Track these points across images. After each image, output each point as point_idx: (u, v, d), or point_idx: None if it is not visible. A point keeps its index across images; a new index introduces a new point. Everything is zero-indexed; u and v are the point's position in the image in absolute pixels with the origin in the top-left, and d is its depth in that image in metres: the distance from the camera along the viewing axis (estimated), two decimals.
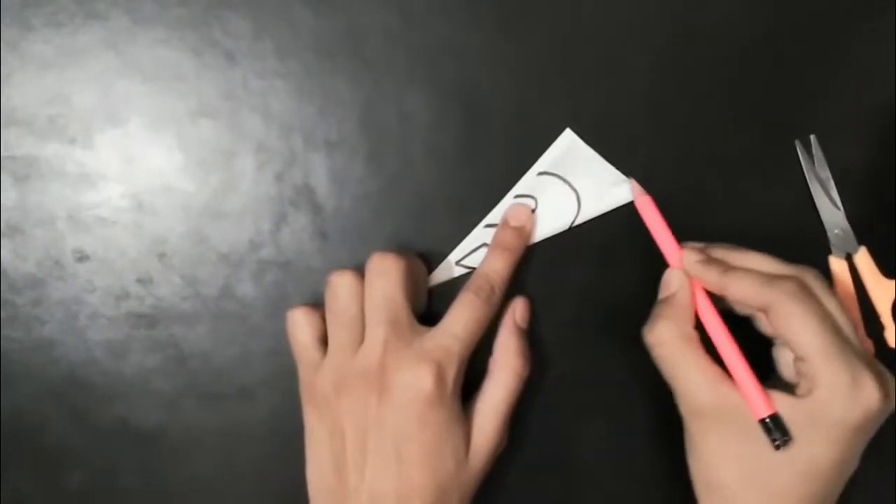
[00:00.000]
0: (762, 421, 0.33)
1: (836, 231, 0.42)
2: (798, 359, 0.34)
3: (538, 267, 0.41)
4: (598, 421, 0.42)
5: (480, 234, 0.41)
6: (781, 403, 0.34)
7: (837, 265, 0.42)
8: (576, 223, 0.41)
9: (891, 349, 0.41)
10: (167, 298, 0.41)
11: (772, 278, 0.35)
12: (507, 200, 0.41)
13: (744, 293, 0.35)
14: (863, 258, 0.41)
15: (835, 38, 0.42)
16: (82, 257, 0.41)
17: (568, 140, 0.40)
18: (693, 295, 0.37)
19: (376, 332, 0.36)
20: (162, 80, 0.40)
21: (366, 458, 0.35)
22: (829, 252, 0.42)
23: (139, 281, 0.41)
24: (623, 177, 0.41)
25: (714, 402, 0.34)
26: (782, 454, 0.33)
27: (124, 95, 0.40)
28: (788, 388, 0.35)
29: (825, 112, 0.42)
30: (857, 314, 0.41)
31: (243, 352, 0.41)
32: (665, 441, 0.41)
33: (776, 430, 0.33)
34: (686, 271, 0.37)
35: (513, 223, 0.40)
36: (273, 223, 0.41)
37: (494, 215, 0.41)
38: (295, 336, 0.37)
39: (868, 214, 0.42)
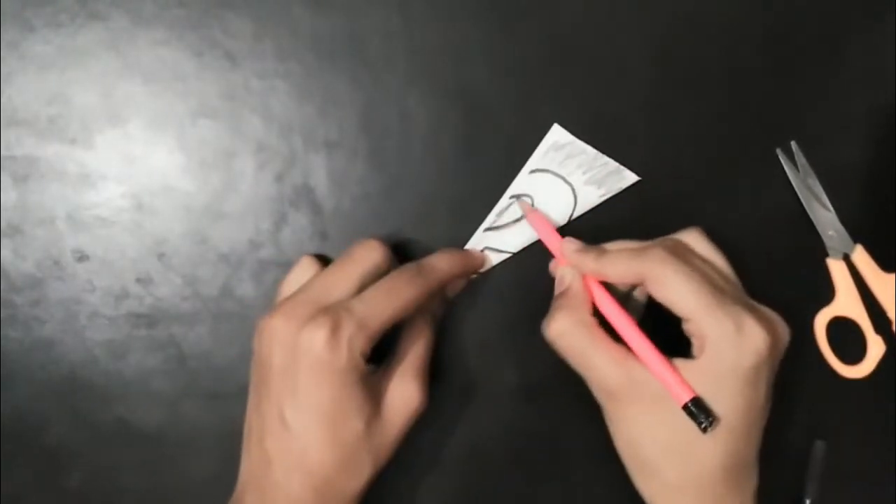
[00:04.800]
0: (685, 407, 0.33)
1: (830, 233, 0.42)
2: (684, 321, 0.35)
3: (536, 267, 0.41)
4: (598, 425, 0.42)
5: (480, 239, 0.41)
6: (682, 369, 0.34)
7: (836, 266, 0.42)
8: (574, 216, 0.41)
9: None
10: (167, 298, 0.41)
11: (641, 249, 0.36)
12: (504, 202, 0.41)
13: (616, 270, 0.36)
14: (860, 256, 0.41)
15: (834, 40, 0.42)
16: (82, 257, 0.41)
17: (556, 135, 0.41)
18: (588, 288, 0.37)
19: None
20: (162, 80, 0.40)
21: (263, 421, 0.35)
22: (825, 254, 0.42)
23: (139, 281, 0.41)
24: (615, 164, 0.41)
25: (623, 381, 0.35)
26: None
27: (125, 96, 0.40)
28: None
29: (819, 113, 0.42)
30: (863, 313, 0.41)
31: (243, 352, 0.41)
32: None
33: (700, 412, 0.33)
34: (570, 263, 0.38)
35: (467, 267, 0.40)
36: (273, 223, 0.41)
37: (492, 218, 0.41)
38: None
39: (860, 212, 0.42)
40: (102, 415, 0.41)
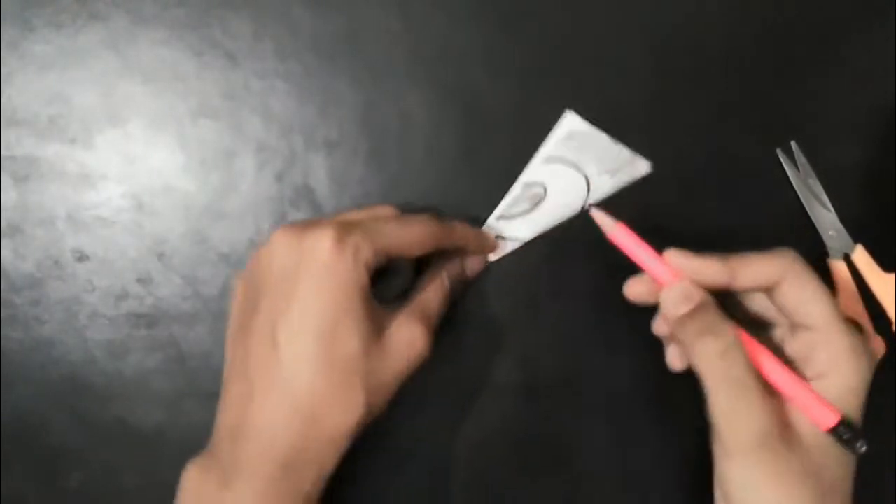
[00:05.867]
0: (833, 430, 0.31)
1: (831, 233, 0.42)
2: (804, 329, 0.33)
3: (536, 264, 0.41)
4: (599, 423, 0.42)
5: (493, 227, 0.41)
6: (816, 388, 0.32)
7: (836, 266, 0.42)
8: (587, 204, 0.41)
9: None
10: (167, 298, 0.41)
11: (770, 254, 0.33)
12: (517, 189, 0.41)
13: (754, 273, 0.33)
14: (860, 256, 0.41)
15: (834, 40, 0.42)
16: (82, 257, 0.41)
17: (571, 122, 0.40)
18: None
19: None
20: (162, 80, 0.40)
21: (249, 348, 0.33)
22: (826, 255, 0.42)
23: (139, 281, 0.41)
24: (629, 151, 0.40)
25: (775, 423, 0.31)
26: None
27: (125, 96, 0.40)
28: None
29: (819, 113, 0.42)
30: (863, 313, 0.41)
31: None
32: (664, 441, 0.41)
33: (849, 433, 0.30)
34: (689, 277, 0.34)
35: (482, 242, 0.40)
36: (273, 223, 0.41)
37: (504, 206, 0.41)
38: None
39: (860, 212, 0.42)
40: (102, 415, 0.41)
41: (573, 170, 0.41)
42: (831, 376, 0.32)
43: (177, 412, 0.41)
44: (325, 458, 0.32)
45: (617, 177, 0.41)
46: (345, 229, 0.32)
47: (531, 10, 0.40)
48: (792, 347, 0.34)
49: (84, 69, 0.40)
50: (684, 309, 0.33)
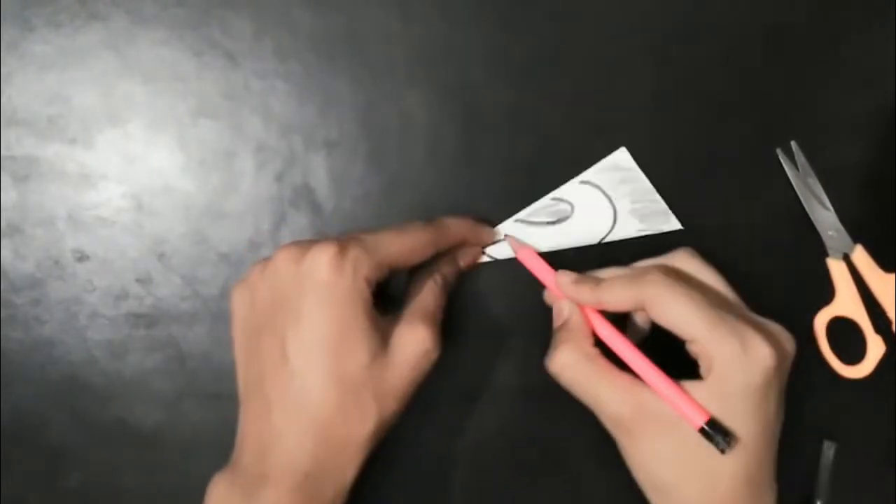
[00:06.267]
0: (702, 430, 0.33)
1: (830, 232, 0.42)
2: (688, 342, 0.35)
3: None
4: (598, 426, 0.42)
5: (508, 227, 0.41)
6: (692, 391, 0.34)
7: (836, 266, 0.42)
8: (606, 239, 0.41)
9: None
10: (167, 298, 0.41)
11: (637, 275, 0.36)
12: (545, 201, 0.41)
13: (615, 298, 0.36)
14: (860, 256, 0.41)
15: (834, 40, 0.42)
16: (82, 257, 0.41)
17: (620, 157, 0.41)
18: (587, 318, 0.37)
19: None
20: (162, 80, 0.40)
21: (262, 364, 0.34)
22: (826, 255, 0.42)
23: (139, 281, 0.41)
24: (664, 205, 0.41)
25: (633, 409, 0.35)
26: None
27: (125, 96, 0.40)
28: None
29: (819, 113, 0.42)
30: (863, 313, 0.41)
31: None
32: None
33: (717, 433, 0.33)
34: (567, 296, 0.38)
35: (478, 236, 0.40)
36: (273, 223, 0.41)
37: (526, 212, 0.41)
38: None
39: (860, 212, 0.42)
40: (102, 415, 0.41)
41: (605, 200, 0.41)
42: (710, 381, 0.34)
43: (177, 412, 0.41)
44: (345, 467, 0.34)
45: (645, 223, 0.41)
46: (343, 245, 0.33)
47: (531, 10, 0.40)
48: (689, 348, 0.36)
49: (84, 69, 0.40)
50: (558, 322, 0.38)
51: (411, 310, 0.36)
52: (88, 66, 0.40)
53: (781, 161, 0.42)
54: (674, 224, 0.41)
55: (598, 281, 0.37)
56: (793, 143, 0.42)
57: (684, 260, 0.37)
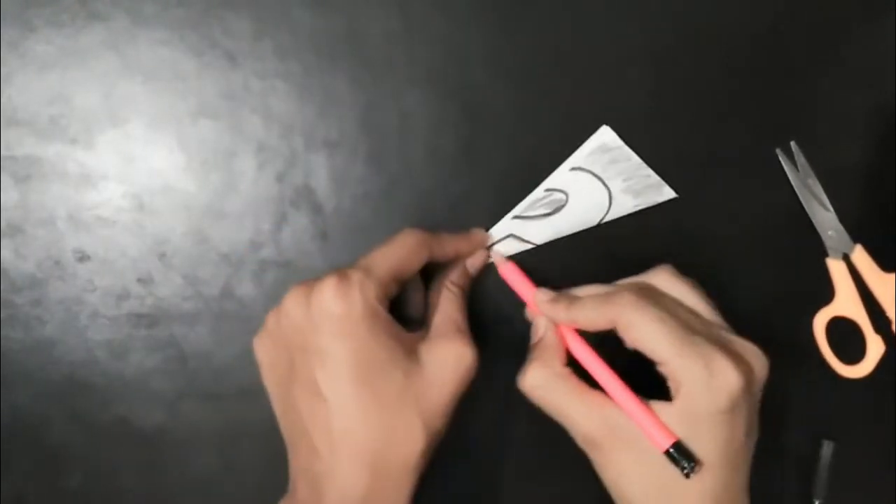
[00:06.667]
0: (667, 452, 0.33)
1: (830, 233, 0.42)
2: (658, 364, 0.35)
3: (536, 264, 0.41)
4: None
5: (507, 226, 0.41)
6: (660, 412, 0.34)
7: (836, 266, 0.42)
8: (605, 220, 0.41)
9: None
10: (168, 298, 0.41)
11: (610, 295, 0.36)
12: (538, 193, 0.41)
13: (587, 317, 0.36)
14: (860, 256, 0.41)
15: (834, 40, 0.42)
16: (83, 257, 0.41)
17: (604, 137, 0.41)
18: (562, 336, 0.37)
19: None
20: (163, 80, 0.40)
21: (300, 411, 0.34)
22: (826, 255, 0.42)
23: (140, 281, 0.41)
24: (657, 177, 0.41)
25: (602, 428, 0.35)
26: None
27: (125, 96, 0.40)
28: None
29: (819, 113, 0.42)
30: (863, 313, 0.41)
31: (243, 352, 0.41)
32: None
33: (681, 457, 0.33)
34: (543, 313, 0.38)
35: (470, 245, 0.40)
36: (273, 223, 0.41)
37: (522, 207, 0.41)
38: None
39: (860, 212, 0.42)
40: (102, 415, 0.41)
41: (598, 183, 0.41)
42: (677, 403, 0.34)
43: (177, 412, 0.41)
44: (400, 489, 0.34)
45: (640, 198, 0.41)
46: (343, 274, 0.34)
47: (531, 10, 0.40)
48: (659, 370, 0.35)
49: (84, 69, 0.40)
50: (533, 339, 0.38)
51: (441, 323, 0.37)
52: (89, 66, 0.40)
53: (781, 161, 0.42)
54: (668, 194, 0.41)
55: (574, 300, 0.37)
56: (793, 143, 0.42)
57: (662, 278, 0.37)
